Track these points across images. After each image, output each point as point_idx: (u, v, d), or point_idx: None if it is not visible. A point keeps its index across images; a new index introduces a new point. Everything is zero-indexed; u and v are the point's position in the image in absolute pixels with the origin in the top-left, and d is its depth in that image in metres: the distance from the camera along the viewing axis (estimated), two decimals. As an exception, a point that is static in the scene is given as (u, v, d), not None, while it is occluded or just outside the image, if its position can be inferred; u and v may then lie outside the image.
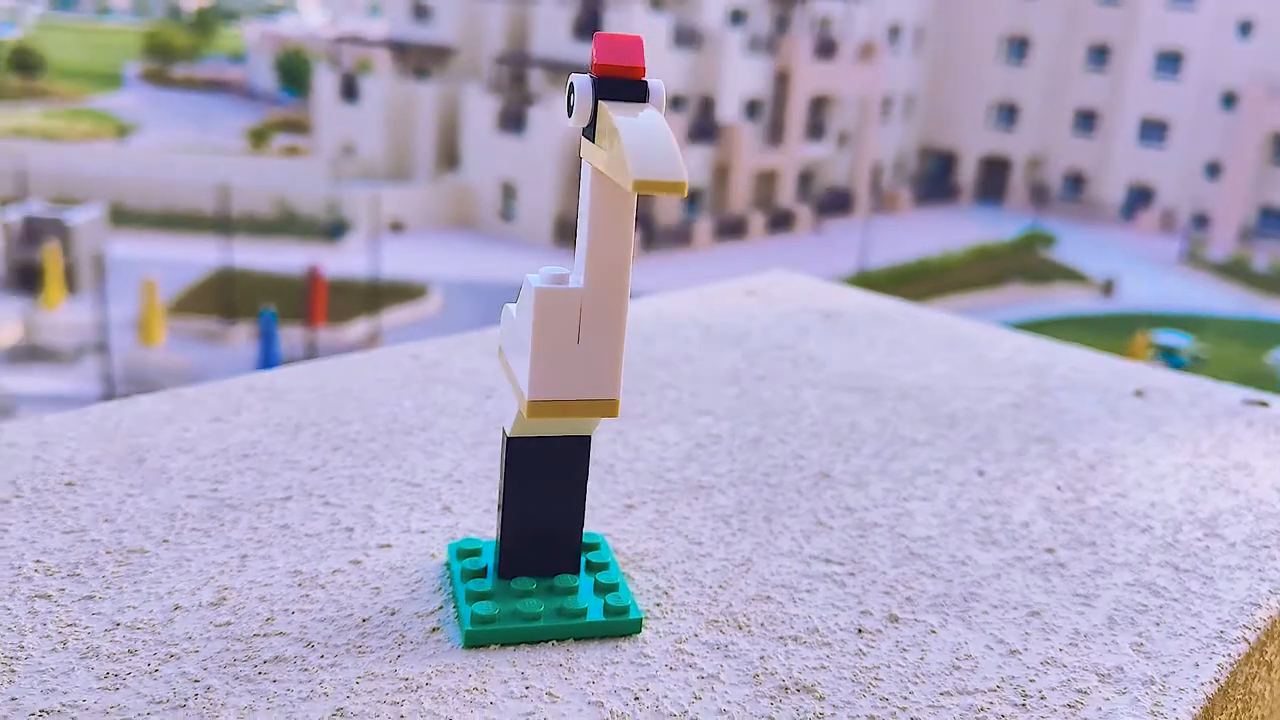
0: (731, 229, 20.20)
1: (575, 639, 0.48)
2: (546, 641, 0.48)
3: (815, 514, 0.62)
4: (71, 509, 0.56)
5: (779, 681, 0.46)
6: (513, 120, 19.03)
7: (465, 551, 0.52)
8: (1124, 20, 26.44)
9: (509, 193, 19.14)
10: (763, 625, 0.50)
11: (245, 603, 0.49)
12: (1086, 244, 23.55)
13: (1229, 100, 26.13)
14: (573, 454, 0.49)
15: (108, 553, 0.52)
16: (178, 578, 0.51)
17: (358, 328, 14.83)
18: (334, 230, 18.72)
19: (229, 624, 0.47)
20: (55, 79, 28.56)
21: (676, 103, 20.58)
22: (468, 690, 0.44)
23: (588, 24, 19.94)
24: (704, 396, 0.78)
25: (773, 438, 0.72)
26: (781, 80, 21.52)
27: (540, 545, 0.50)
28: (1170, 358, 15.66)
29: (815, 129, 22.37)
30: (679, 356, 0.86)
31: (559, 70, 20.32)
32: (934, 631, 0.51)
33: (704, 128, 20.47)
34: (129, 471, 0.60)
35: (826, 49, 22.02)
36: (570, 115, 0.42)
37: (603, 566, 0.52)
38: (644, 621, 0.50)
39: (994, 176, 27.04)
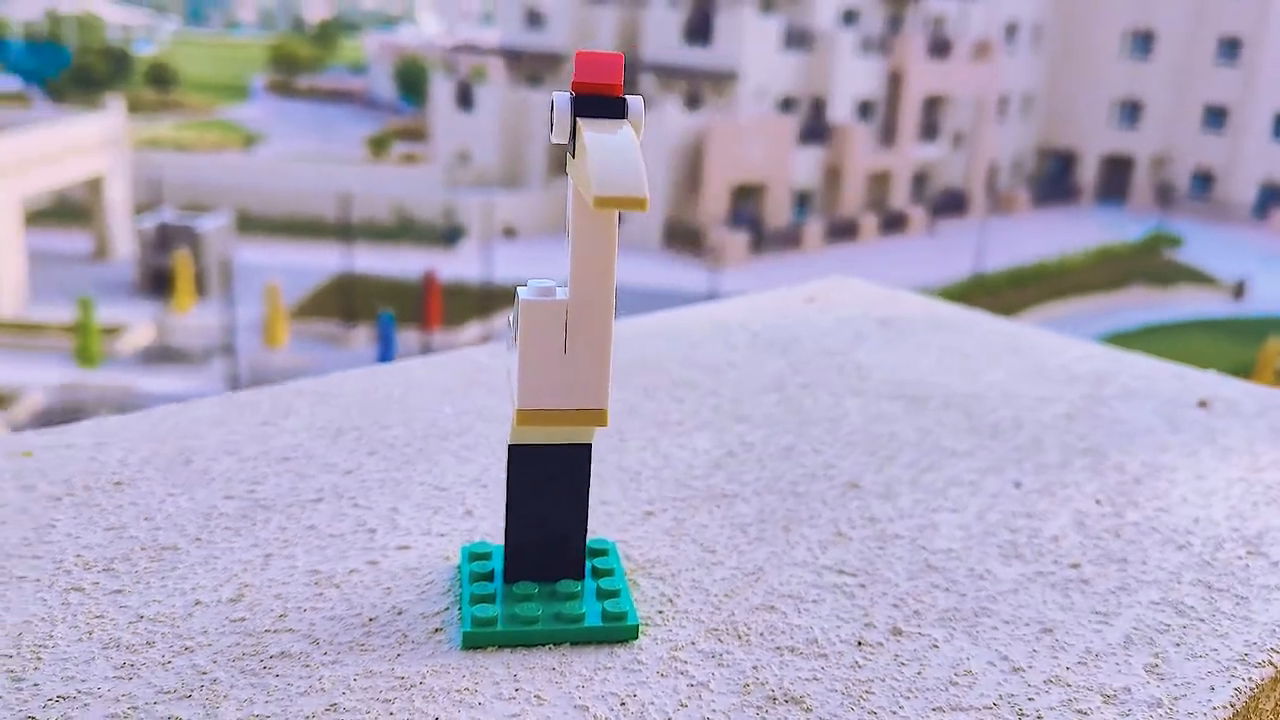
0: (843, 231, 19.98)
1: (572, 643, 0.49)
2: (544, 645, 0.49)
3: (836, 524, 0.61)
4: (116, 507, 0.59)
5: (768, 692, 0.46)
6: (622, 125, 19.15)
7: (476, 555, 0.54)
8: (1256, 11, 25.28)
9: (618, 197, 19.27)
10: (762, 635, 0.50)
11: (262, 600, 0.51)
12: (1215, 245, 22.58)
13: (1374, 92, 24.76)
14: (573, 462, 0.50)
15: (143, 549, 0.55)
16: (204, 574, 0.53)
17: (471, 330, 15.13)
18: (449, 236, 19.14)
19: (244, 620, 0.50)
20: (187, 92, 29.87)
21: (787, 104, 20.46)
22: (459, 690, 0.45)
23: (698, 27, 19.97)
24: (744, 404, 0.78)
25: (806, 446, 0.72)
26: (894, 80, 21.20)
27: (543, 551, 0.51)
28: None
29: (929, 129, 21.97)
30: (724, 363, 0.87)
31: (669, 74, 20.40)
32: (936, 646, 0.50)
33: (815, 129, 20.30)
34: (175, 472, 0.64)
35: (941, 48, 21.61)
36: (552, 132, 0.43)
37: (607, 573, 0.53)
38: (643, 628, 0.50)
39: (1116, 176, 26.15)
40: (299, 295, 16.06)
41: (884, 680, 0.48)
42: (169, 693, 0.45)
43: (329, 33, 38.41)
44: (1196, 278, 19.88)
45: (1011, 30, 24.35)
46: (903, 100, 21.06)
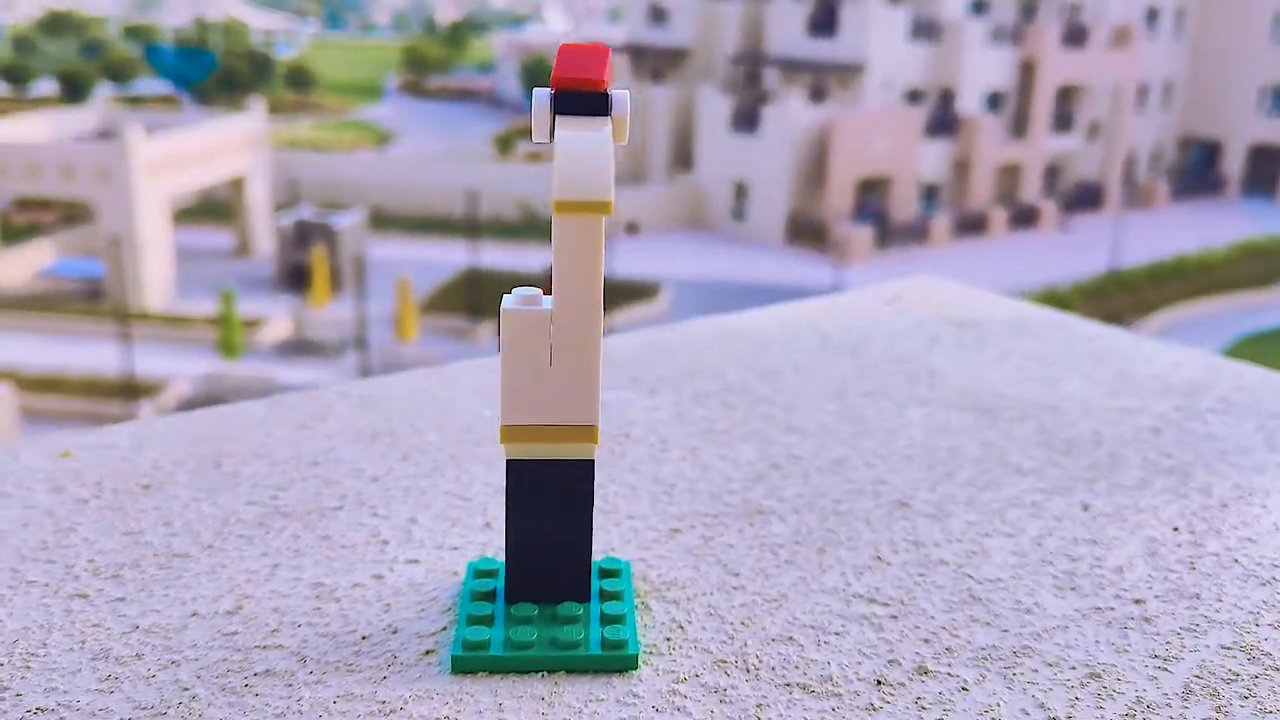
0: (971, 225, 19.43)
1: (568, 671, 0.46)
2: (538, 672, 0.46)
3: (876, 547, 0.57)
4: (139, 511, 0.59)
5: (769, 733, 0.43)
6: (746, 119, 19.03)
7: (482, 572, 0.52)
8: None
9: (741, 192, 19.16)
10: (774, 669, 0.47)
11: (259, 613, 0.50)
12: (1379, 239, 21.18)
13: None
14: (574, 478, 0.48)
15: (154, 556, 0.55)
16: (207, 584, 0.52)
17: (590, 326, 15.20)
18: (571, 231, 19.33)
19: (236, 634, 0.48)
20: (324, 93, 30.87)
21: (914, 96, 20.00)
22: (439, 718, 0.43)
23: (823, 20, 19.68)
24: (799, 412, 0.74)
25: (858, 460, 0.67)
26: (1026, 70, 20.51)
27: (545, 571, 0.49)
28: None
29: (1063, 120, 21.19)
30: (787, 368, 0.83)
31: (793, 68, 20.16)
32: (965, 689, 0.46)
33: (943, 121, 19.80)
34: (203, 476, 0.63)
35: (1076, 36, 20.80)
36: (532, 131, 0.40)
37: (615, 596, 0.50)
38: (646, 657, 0.47)
39: (1265, 167, 24.77)
40: (428, 290, 16.42)
41: (900, 725, 0.43)
42: (145, 709, 0.43)
43: (459, 33, 39.19)
44: (1355, 274, 18.68)
45: (1153, 15, 23.30)
46: (1035, 90, 20.36)
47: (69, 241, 16.99)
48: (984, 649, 0.48)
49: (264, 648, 0.47)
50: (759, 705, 0.44)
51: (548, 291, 0.42)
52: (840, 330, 0.92)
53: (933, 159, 19.60)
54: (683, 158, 20.79)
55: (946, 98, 20.28)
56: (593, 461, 0.48)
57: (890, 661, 0.47)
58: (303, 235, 16.70)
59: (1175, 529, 0.60)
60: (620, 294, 16.10)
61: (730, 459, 0.67)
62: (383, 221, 19.73)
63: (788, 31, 20.18)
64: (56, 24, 33.18)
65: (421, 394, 0.76)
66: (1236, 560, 0.57)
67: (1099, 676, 0.47)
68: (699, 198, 19.89)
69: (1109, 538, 0.59)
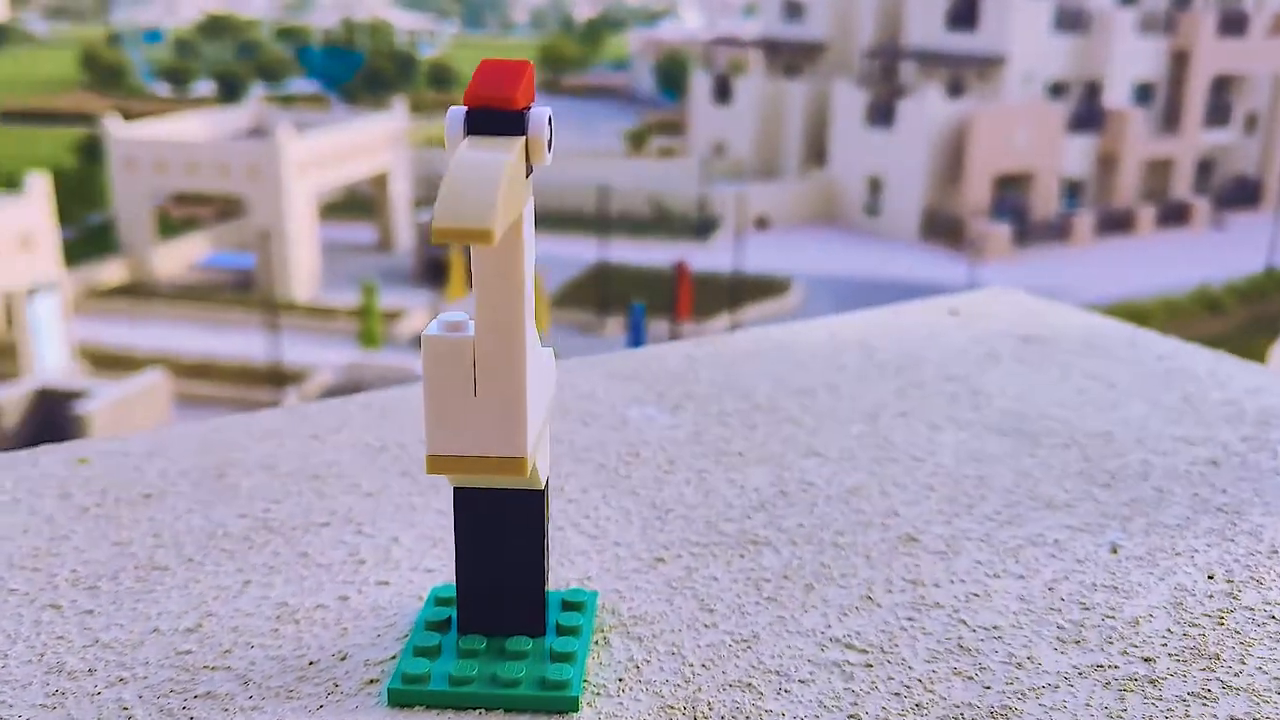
0: (1116, 223, 18.62)
1: (505, 710, 0.44)
2: (475, 709, 0.45)
3: (870, 585, 0.54)
4: (133, 521, 0.60)
5: (699, 791, 0.40)
6: (881, 113, 18.66)
7: (442, 600, 0.50)
8: None
9: (875, 187, 18.80)
10: (722, 719, 0.44)
11: (216, 633, 0.50)
12: None
13: None
14: (522, 508, 0.46)
15: (135, 568, 0.55)
16: (177, 599, 0.52)
17: (720, 321, 15.19)
18: (703, 228, 19.30)
19: (189, 653, 0.48)
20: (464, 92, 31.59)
21: (1056, 90, 19.27)
22: (361, 755, 0.42)
23: (963, 12, 19.13)
24: (822, 434, 0.71)
25: (874, 488, 0.64)
26: (1179, 60, 19.52)
27: (496, 602, 0.47)
28: None
29: (1218, 112, 20.10)
30: (822, 386, 0.79)
31: (931, 61, 19.68)
32: (926, 751, 0.42)
33: (1087, 115, 19.02)
34: (203, 487, 0.64)
35: (1234, 23, 19.69)
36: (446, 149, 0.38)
37: (571, 631, 0.48)
38: (591, 699, 0.45)
39: None
40: (559, 284, 16.64)
41: (844, 790, 0.40)
42: (81, 729, 0.43)
43: (595, 31, 39.55)
44: None
45: (1324, 0, 21.90)
46: (1188, 82, 19.37)
47: (223, 235, 17.81)
48: (957, 707, 0.45)
49: (212, 668, 0.47)
50: (696, 759, 0.42)
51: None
52: (889, 346, 0.87)
53: (1076, 154, 18.86)
54: (816, 153, 20.52)
55: (1092, 90, 19.48)
56: (541, 492, 0.46)
57: (850, 717, 0.44)
58: (441, 230, 17.09)
59: (1210, 577, 0.54)
60: (750, 290, 15.99)
61: (738, 484, 0.64)
62: (517, 217, 20.04)
63: (926, 24, 19.70)
64: (215, 27, 34.80)
65: (441, 405, 0.75)
66: (1274, 617, 0.51)
67: (1081, 745, 0.42)
68: (831, 193, 19.61)
69: (1132, 584, 0.54)
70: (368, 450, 0.68)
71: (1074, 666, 0.47)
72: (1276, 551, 0.57)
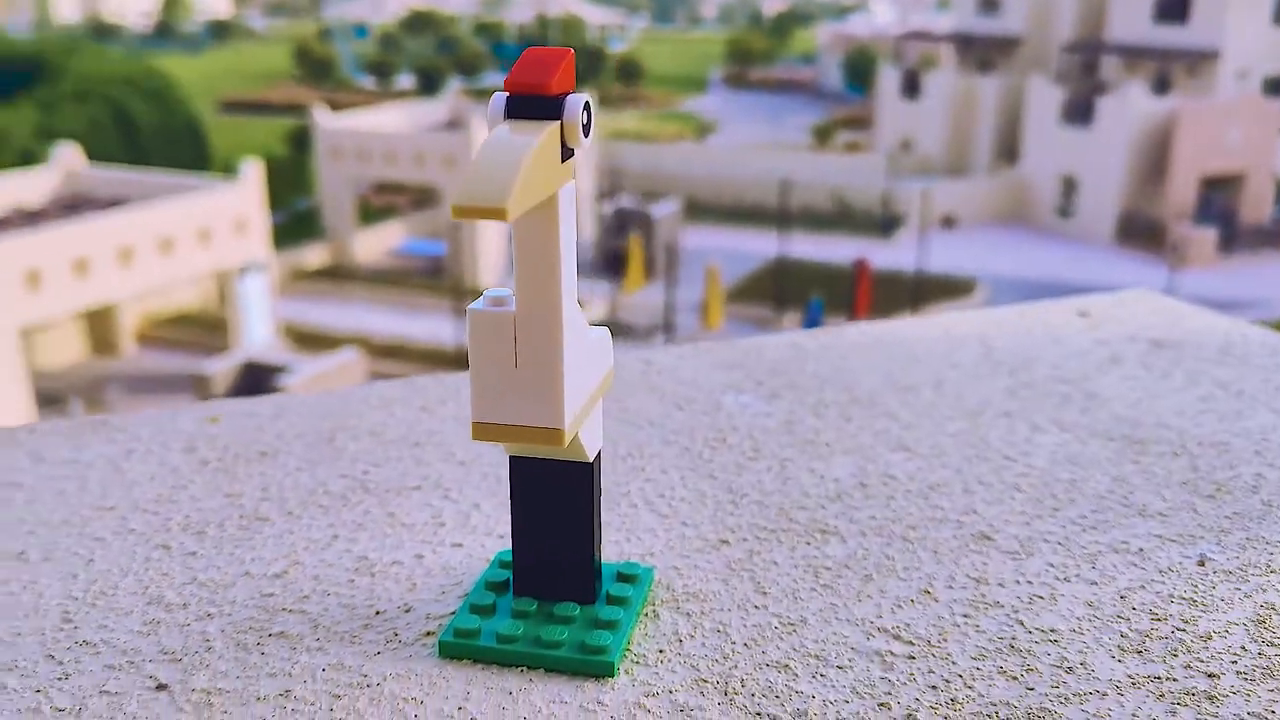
0: (1342, 231, 17.21)
1: (546, 670, 0.46)
2: (519, 667, 0.47)
3: (931, 580, 0.53)
4: (246, 476, 0.65)
5: (714, 761, 0.41)
6: (1079, 111, 17.83)
7: (505, 563, 0.53)
8: None
9: (1069, 187, 17.99)
10: (753, 696, 0.45)
11: (299, 580, 0.54)
12: None
13: None
14: (571, 479, 0.48)
15: (240, 517, 0.60)
16: (271, 547, 0.57)
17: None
18: (886, 224, 18.93)
19: (272, 595, 0.52)
20: (651, 86, 31.93)
21: (1275, 86, 17.95)
22: (405, 699, 0.45)
23: (1173, 5, 18.07)
24: (917, 430, 0.70)
25: (957, 485, 0.63)
26: None
27: (549, 569, 0.49)
28: None
29: None
30: (928, 383, 0.78)
31: (1137, 56, 18.67)
32: (949, 744, 0.42)
33: (1313, 113, 17.62)
34: (314, 449, 0.68)
35: None
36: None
37: (620, 601, 0.50)
38: (631, 667, 0.47)
39: None
40: (736, 278, 16.62)
41: (857, 774, 0.41)
42: (168, 653, 0.48)
43: (783, 25, 39.26)
44: None
45: None
46: None
47: (417, 223, 18.58)
48: (994, 705, 0.44)
49: (289, 611, 0.51)
50: (718, 731, 0.43)
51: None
52: (1008, 344, 0.85)
53: (1296, 154, 17.51)
54: (1007, 150, 19.80)
55: (1319, 86, 18.05)
56: (589, 465, 0.48)
57: (880, 705, 0.44)
58: (621, 223, 17.37)
59: (1303, 597, 0.51)
60: (934, 289, 15.58)
61: (818, 473, 0.64)
62: (698, 210, 20.16)
63: (1132, 17, 18.69)
64: (418, 23, 36.31)
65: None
66: (1365, 642, 0.48)
67: (1115, 753, 0.41)
68: (1022, 192, 18.88)
69: (1214, 599, 0.51)
70: (468, 422, 0.72)
71: (1129, 676, 0.46)
72: (1385, 575, 0.53)
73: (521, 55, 0.40)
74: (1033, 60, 20.39)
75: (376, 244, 17.74)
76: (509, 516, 0.58)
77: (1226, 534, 0.57)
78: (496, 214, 0.34)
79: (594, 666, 0.46)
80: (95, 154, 14.06)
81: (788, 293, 15.65)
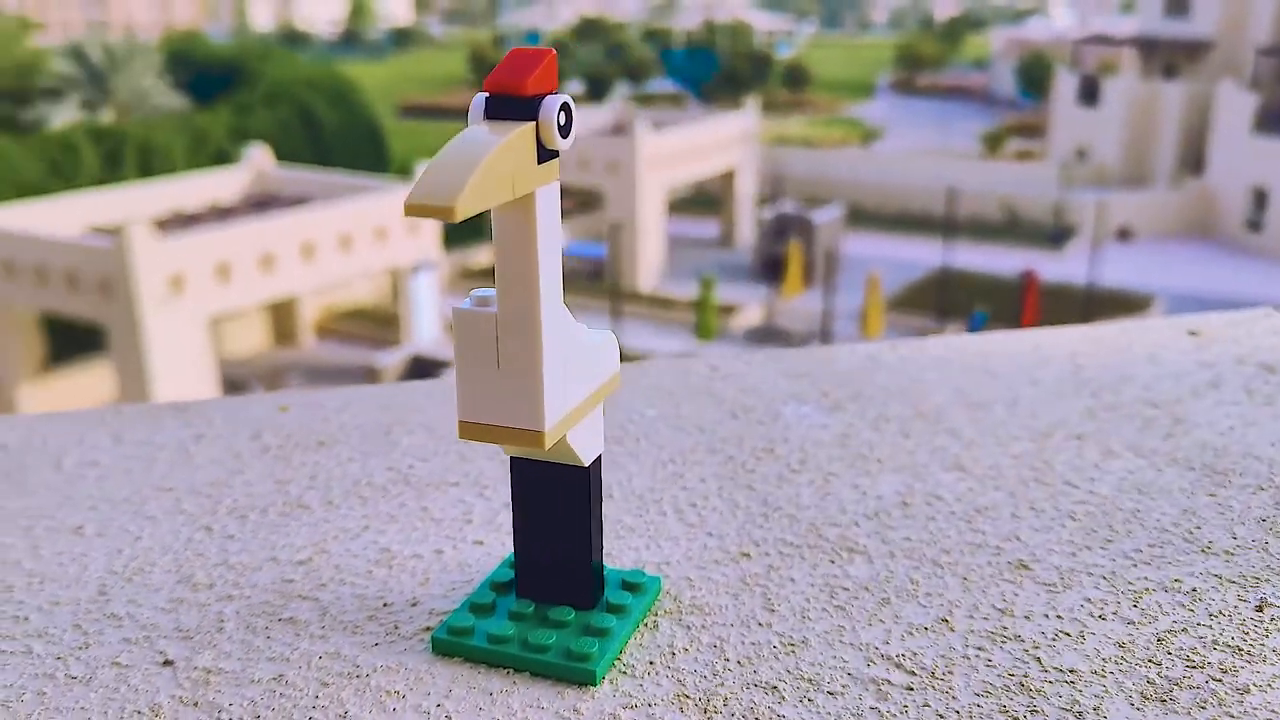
0: None
1: (532, 673, 0.46)
2: (505, 668, 0.47)
3: (950, 608, 0.51)
4: (300, 464, 0.67)
5: (675, 779, 0.40)
6: (1276, 118, 16.76)
7: (513, 563, 0.53)
8: None
9: (1260, 200, 16.91)
10: (733, 717, 0.44)
11: (321, 568, 0.55)
12: None
13: None
14: (570, 484, 0.47)
15: (284, 504, 0.62)
16: (304, 535, 0.58)
17: (1064, 338, 14.25)
18: (1056, 236, 18.20)
19: (291, 581, 0.54)
20: (818, 91, 31.59)
21: None
22: (389, 692, 0.45)
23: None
24: (978, 449, 0.67)
25: (1006, 510, 0.60)
26: None
27: (549, 572, 0.49)
28: None
29: None
30: (1002, 400, 0.74)
31: (1345, 60, 17.39)
32: (926, 782, 0.40)
33: None
34: (369, 440, 0.70)
35: None
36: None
37: (618, 609, 0.49)
38: (615, 677, 0.46)
39: None
40: (898, 287, 16.28)
41: (820, 804, 0.39)
42: (183, 630, 0.50)
43: (955, 30, 38.22)
44: None
45: None
46: None
47: (582, 226, 18.90)
48: (986, 744, 0.42)
49: (304, 598, 0.52)
50: (688, 748, 0.42)
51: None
52: (1099, 363, 0.80)
53: None
54: (1191, 160, 18.76)
55: None
56: (587, 470, 0.47)
57: (863, 734, 0.42)
58: (782, 228, 17.24)
59: (1367, 652, 0.47)
60: (1105, 305, 14.90)
61: (861, 489, 0.62)
62: (861, 217, 19.84)
63: (1341, 18, 17.43)
64: (588, 29, 36.93)
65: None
66: None
67: (1106, 806, 0.38)
68: (1207, 204, 17.85)
69: (1264, 649, 0.47)
70: (523, 422, 0.72)
71: (1143, 724, 0.43)
72: None
73: (505, 56, 0.40)
74: (1223, 65, 19.26)
75: (540, 245, 18.08)
76: (534, 517, 0.58)
77: (1295, 578, 0.53)
78: (445, 213, 0.34)
79: (577, 674, 0.45)
80: (282, 154, 14.83)
81: (951, 304, 15.22)
